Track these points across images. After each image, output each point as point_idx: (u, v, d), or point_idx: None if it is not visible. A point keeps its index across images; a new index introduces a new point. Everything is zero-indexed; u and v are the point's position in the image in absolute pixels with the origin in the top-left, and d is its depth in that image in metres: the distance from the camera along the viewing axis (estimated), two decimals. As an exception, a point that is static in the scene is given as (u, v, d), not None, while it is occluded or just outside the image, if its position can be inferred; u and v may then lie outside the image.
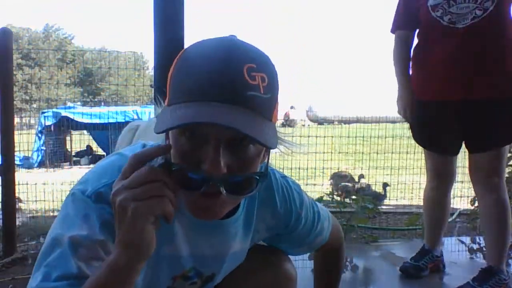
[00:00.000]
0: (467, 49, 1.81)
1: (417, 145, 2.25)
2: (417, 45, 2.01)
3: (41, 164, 7.94)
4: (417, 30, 2.02)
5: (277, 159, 5.41)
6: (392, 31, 2.10)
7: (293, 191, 0.94)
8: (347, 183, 4.60)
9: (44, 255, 0.69)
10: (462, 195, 4.24)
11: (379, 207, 3.55)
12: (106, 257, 0.66)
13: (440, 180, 2.14)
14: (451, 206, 4.07)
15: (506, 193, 1.92)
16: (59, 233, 0.69)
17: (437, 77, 1.91)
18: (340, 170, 5.10)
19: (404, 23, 2.03)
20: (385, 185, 4.03)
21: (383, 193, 4.00)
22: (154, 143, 0.83)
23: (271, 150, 0.72)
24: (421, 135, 2.13)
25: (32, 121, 8.20)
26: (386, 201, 4.39)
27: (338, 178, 4.84)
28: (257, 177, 0.69)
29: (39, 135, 8.30)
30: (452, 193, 4.19)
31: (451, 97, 1.88)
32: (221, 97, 0.63)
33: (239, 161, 0.67)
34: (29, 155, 7.77)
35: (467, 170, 2.05)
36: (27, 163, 7.75)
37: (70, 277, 0.65)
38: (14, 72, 2.74)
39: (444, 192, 2.17)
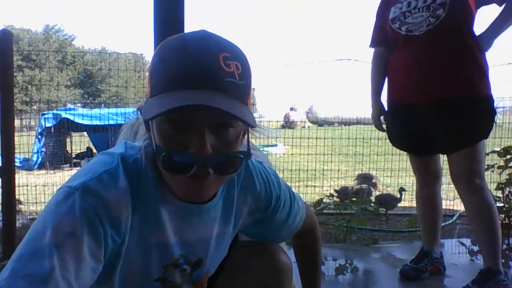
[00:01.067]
0: (426, 54, 1.91)
1: None
2: (389, 56, 2.13)
3: (41, 166, 7.94)
4: None
5: (277, 161, 5.41)
6: (371, 46, 2.23)
7: (270, 175, 0.99)
8: (362, 185, 4.56)
9: (23, 247, 0.70)
10: (462, 197, 4.24)
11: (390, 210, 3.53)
12: (84, 254, 0.69)
13: (425, 179, 2.18)
14: (452, 208, 4.12)
15: (489, 194, 1.94)
16: (41, 227, 0.70)
17: (402, 81, 2.03)
18: (363, 172, 5.05)
19: (378, 39, 2.16)
20: (401, 189, 4.01)
21: (398, 197, 3.98)
22: (138, 144, 0.85)
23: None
24: (395, 138, 2.20)
25: (32, 123, 8.21)
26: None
27: (363, 179, 4.80)
28: (241, 156, 0.75)
29: (39, 137, 8.30)
30: (452, 195, 4.23)
31: (416, 99, 1.97)
32: (202, 84, 0.69)
33: (223, 142, 0.73)
34: (29, 157, 7.76)
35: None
36: (27, 165, 7.75)
37: (37, 277, 0.64)
38: (15, 74, 2.74)
39: (432, 191, 2.19)
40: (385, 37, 2.10)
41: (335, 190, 4.34)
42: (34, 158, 8.11)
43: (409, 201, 4.59)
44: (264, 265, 1.02)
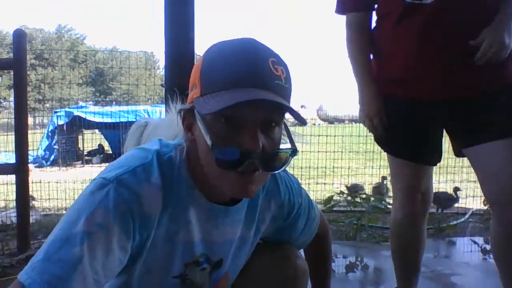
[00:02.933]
0: (439, 29, 1.34)
1: None
2: (374, 30, 1.54)
3: (53, 163, 8.04)
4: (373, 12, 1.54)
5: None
6: (340, 11, 1.57)
7: (294, 183, 1.02)
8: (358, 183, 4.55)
9: (57, 232, 0.74)
10: (474, 195, 4.20)
11: (389, 207, 3.52)
12: (113, 245, 0.74)
13: (414, 199, 1.55)
14: (464, 206, 4.08)
15: None
16: (75, 215, 0.74)
17: (407, 69, 1.42)
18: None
19: (357, 2, 1.53)
20: (456, 189, 3.94)
21: (455, 197, 3.92)
22: (172, 142, 0.88)
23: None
24: (389, 139, 1.55)
25: (45, 121, 8.31)
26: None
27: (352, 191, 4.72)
28: (289, 152, 0.79)
29: (49, 134, 8.39)
30: (464, 193, 4.18)
31: (430, 96, 1.41)
32: (256, 84, 0.73)
33: (271, 141, 0.77)
34: (38, 154, 7.86)
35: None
36: (40, 162, 7.86)
37: (67, 263, 0.70)
38: (28, 72, 2.78)
39: (420, 217, 1.59)
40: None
41: (346, 187, 4.32)
42: (39, 154, 8.16)
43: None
44: (281, 270, 1.03)
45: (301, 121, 0.77)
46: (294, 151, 0.80)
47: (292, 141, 0.84)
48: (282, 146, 0.81)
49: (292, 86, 0.80)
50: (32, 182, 3.96)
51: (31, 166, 5.82)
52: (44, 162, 7.92)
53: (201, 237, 0.89)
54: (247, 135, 0.74)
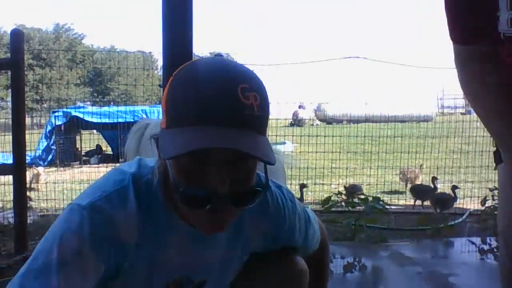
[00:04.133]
0: None
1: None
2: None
3: (51, 163, 8.01)
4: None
5: (286, 158, 5.40)
6: (459, 41, 1.07)
7: (287, 200, 0.97)
8: (357, 184, 4.54)
9: (31, 262, 0.73)
10: (472, 195, 4.21)
11: (387, 207, 3.51)
12: (89, 271, 0.73)
13: None
14: (461, 206, 4.09)
15: None
16: (50, 243, 0.73)
17: None
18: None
19: (479, 31, 1.07)
20: (454, 187, 3.86)
21: (453, 196, 3.86)
22: (151, 163, 0.85)
23: None
24: None
25: (43, 121, 8.29)
26: (394, 201, 4.36)
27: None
28: (260, 188, 0.76)
29: (47, 134, 8.35)
30: (462, 193, 4.19)
31: None
32: (223, 121, 0.69)
33: (241, 176, 0.72)
34: (37, 154, 7.84)
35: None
36: (37, 163, 7.83)
37: None
38: (25, 73, 2.77)
39: None
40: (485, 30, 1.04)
41: (344, 187, 4.32)
42: (37, 154, 8.14)
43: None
44: (281, 271, 1.01)
45: (265, 162, 0.71)
46: (266, 188, 0.77)
47: (266, 175, 0.79)
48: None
49: (269, 108, 0.75)
50: (30, 183, 3.95)
51: (41, 169, 5.84)
52: (41, 162, 7.88)
53: (181, 260, 0.87)
54: (213, 174, 0.70)
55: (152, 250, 0.83)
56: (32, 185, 5.14)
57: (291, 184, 4.27)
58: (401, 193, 4.97)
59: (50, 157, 8.26)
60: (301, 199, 3.43)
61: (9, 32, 2.55)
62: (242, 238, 0.93)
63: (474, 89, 1.04)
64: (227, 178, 0.70)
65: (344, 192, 3.94)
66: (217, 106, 0.69)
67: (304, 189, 4.40)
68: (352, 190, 4.23)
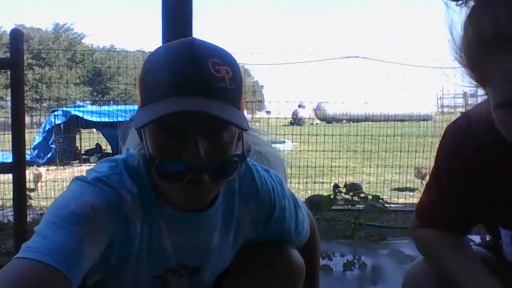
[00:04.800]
0: None
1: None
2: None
3: (50, 162, 8.01)
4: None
5: (285, 157, 5.41)
6: (426, 225, 1.00)
7: (276, 184, 0.97)
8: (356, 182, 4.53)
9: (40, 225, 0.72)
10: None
11: (387, 206, 3.52)
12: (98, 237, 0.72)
13: None
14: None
15: None
16: (67, 202, 0.72)
17: None
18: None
19: (453, 223, 0.97)
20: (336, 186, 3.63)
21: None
22: (136, 152, 0.85)
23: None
24: None
25: (43, 120, 8.29)
26: (394, 199, 4.37)
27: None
28: (236, 159, 0.75)
29: (44, 134, 8.33)
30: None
31: None
32: (192, 90, 0.69)
33: (217, 146, 0.73)
34: (30, 153, 7.81)
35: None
36: (35, 161, 7.81)
37: (64, 249, 0.67)
38: (25, 72, 2.77)
39: None
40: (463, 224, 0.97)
41: (345, 185, 4.30)
42: (32, 152, 8.10)
43: (417, 197, 4.57)
44: (278, 265, 1.01)
45: (239, 127, 0.72)
46: (241, 157, 0.76)
47: (243, 146, 0.80)
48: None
49: (242, 83, 0.76)
50: (29, 181, 3.95)
51: (43, 169, 5.81)
52: (38, 160, 7.83)
53: (174, 246, 0.86)
54: (187, 145, 0.70)
55: (150, 236, 0.83)
56: (32, 185, 5.13)
57: (290, 182, 4.28)
58: (413, 190, 4.95)
59: (49, 155, 8.23)
60: (334, 199, 3.41)
61: (8, 31, 2.55)
62: (233, 222, 0.92)
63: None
64: (202, 149, 0.70)
65: (344, 190, 3.93)
66: (187, 78, 0.70)
67: (304, 188, 4.39)
68: (352, 188, 4.22)
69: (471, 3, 0.62)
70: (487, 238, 1.03)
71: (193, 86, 0.69)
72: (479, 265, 0.88)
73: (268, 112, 5.48)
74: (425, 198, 1.00)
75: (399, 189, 4.98)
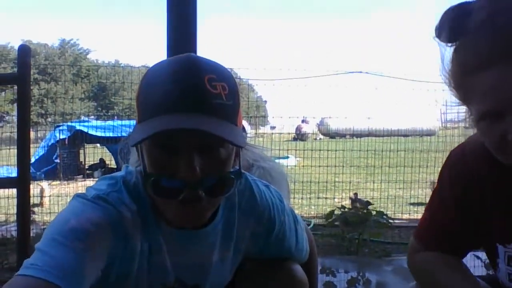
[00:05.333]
0: None
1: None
2: None
3: (55, 177, 8.01)
4: None
5: (288, 173, 5.40)
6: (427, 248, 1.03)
7: (275, 198, 0.96)
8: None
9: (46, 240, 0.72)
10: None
11: (391, 221, 3.49)
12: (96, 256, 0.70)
13: None
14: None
15: None
16: (68, 219, 0.72)
17: None
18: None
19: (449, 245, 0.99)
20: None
21: None
22: (135, 169, 0.85)
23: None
24: None
25: (48, 135, 8.34)
26: (398, 215, 4.33)
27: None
28: (233, 176, 0.75)
29: (46, 147, 8.33)
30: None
31: None
32: (188, 107, 0.69)
33: (213, 163, 0.72)
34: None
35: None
36: (40, 176, 7.82)
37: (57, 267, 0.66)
38: (31, 87, 2.81)
39: None
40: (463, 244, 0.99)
41: (351, 198, 4.27)
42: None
43: (422, 213, 4.53)
44: (281, 280, 1.00)
45: (235, 145, 0.72)
46: (238, 174, 0.76)
47: (239, 163, 0.79)
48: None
49: (239, 99, 0.76)
50: (33, 196, 3.95)
51: (45, 184, 5.80)
52: (37, 172, 7.76)
53: (173, 263, 0.86)
54: (183, 162, 0.69)
55: (150, 252, 0.83)
56: (36, 200, 5.13)
57: (294, 198, 4.26)
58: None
59: (45, 168, 8.16)
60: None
61: (16, 47, 2.59)
62: (233, 238, 0.91)
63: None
64: (198, 166, 0.69)
65: (349, 205, 3.91)
66: (184, 95, 0.70)
67: (307, 203, 4.37)
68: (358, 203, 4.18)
69: (457, 42, 0.80)
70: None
71: (189, 103, 0.69)
72: (480, 285, 0.93)
73: (273, 128, 5.50)
74: (426, 220, 1.03)
75: (416, 204, 4.89)
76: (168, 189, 0.71)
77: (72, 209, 0.75)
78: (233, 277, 0.99)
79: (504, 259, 0.92)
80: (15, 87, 2.54)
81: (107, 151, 9.20)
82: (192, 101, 0.70)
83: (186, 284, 0.90)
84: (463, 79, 0.79)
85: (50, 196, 5.08)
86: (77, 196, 0.79)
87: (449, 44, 0.80)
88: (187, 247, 0.85)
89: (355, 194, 4.33)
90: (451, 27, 0.79)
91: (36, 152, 8.04)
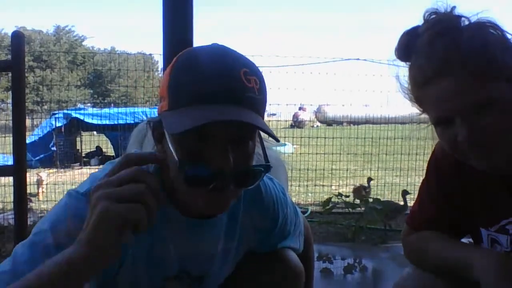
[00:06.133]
0: None
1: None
2: None
3: (51, 165, 7.99)
4: None
5: (286, 160, 5.40)
6: (414, 227, 1.12)
7: (279, 192, 0.98)
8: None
9: (23, 245, 0.74)
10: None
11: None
12: None
13: None
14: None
15: None
16: (45, 228, 0.74)
17: None
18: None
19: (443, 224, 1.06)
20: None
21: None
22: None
23: None
24: None
25: (44, 123, 8.29)
26: (395, 201, 4.36)
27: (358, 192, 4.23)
28: (262, 169, 0.76)
29: (43, 133, 8.27)
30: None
31: None
32: (226, 99, 0.70)
33: (243, 155, 0.74)
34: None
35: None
36: (36, 164, 7.79)
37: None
38: (26, 74, 2.78)
39: None
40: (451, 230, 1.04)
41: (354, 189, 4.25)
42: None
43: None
44: (278, 270, 1.01)
45: (274, 138, 0.75)
46: (267, 167, 0.77)
47: (266, 157, 0.81)
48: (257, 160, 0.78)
49: (267, 95, 0.78)
50: (30, 184, 3.95)
51: (44, 174, 5.76)
52: (33, 158, 7.71)
53: (177, 253, 0.86)
54: (217, 152, 0.70)
55: (151, 244, 0.83)
56: (33, 189, 5.10)
57: (291, 185, 4.27)
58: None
59: (41, 156, 8.12)
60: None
61: (10, 34, 2.56)
62: (237, 230, 0.92)
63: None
64: (231, 157, 0.71)
65: (349, 194, 3.89)
66: (223, 86, 0.70)
67: (304, 191, 4.38)
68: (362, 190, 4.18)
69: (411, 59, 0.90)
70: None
71: (228, 95, 0.70)
72: (471, 245, 1.03)
73: (273, 115, 5.48)
74: (416, 207, 1.11)
75: (413, 191, 4.90)
76: (200, 178, 0.71)
77: (55, 214, 0.77)
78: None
79: (487, 242, 1.00)
80: (10, 74, 2.52)
81: (105, 138, 9.18)
82: (230, 94, 0.70)
83: (191, 275, 0.90)
84: (416, 92, 0.90)
85: (47, 184, 5.06)
86: (69, 194, 0.79)
87: (407, 64, 0.91)
88: (194, 238, 0.86)
89: (369, 179, 4.29)
90: (404, 48, 0.90)
91: (30, 137, 7.97)
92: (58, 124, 8.17)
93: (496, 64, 0.82)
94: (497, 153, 0.85)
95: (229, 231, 0.91)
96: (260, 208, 0.94)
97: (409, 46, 0.89)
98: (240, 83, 0.71)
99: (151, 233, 0.82)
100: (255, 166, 0.76)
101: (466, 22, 0.88)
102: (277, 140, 0.77)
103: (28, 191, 2.69)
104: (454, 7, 0.89)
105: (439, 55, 0.83)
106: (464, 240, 1.06)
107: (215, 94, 0.70)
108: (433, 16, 0.88)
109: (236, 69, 0.72)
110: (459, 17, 0.88)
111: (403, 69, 0.96)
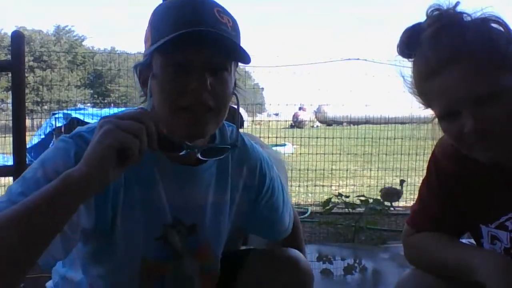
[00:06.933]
0: None
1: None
2: None
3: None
4: None
5: (285, 160, 5.40)
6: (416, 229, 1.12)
7: (265, 156, 1.04)
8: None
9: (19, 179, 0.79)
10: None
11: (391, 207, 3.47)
12: None
13: None
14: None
15: None
16: (38, 165, 0.80)
17: None
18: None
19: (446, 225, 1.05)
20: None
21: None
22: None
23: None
24: None
25: (44, 123, 8.27)
26: (395, 203, 4.35)
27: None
28: (235, 93, 0.88)
29: (43, 136, 8.27)
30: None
31: None
32: (202, 24, 0.79)
33: (218, 85, 0.83)
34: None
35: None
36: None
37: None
38: (26, 74, 2.78)
39: None
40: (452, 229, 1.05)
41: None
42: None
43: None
44: (288, 275, 1.01)
45: (245, 56, 0.83)
46: (235, 84, 0.88)
47: (235, 84, 0.89)
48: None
49: (240, 39, 0.86)
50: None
51: None
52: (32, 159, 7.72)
53: (169, 200, 0.90)
54: (195, 75, 0.79)
55: (143, 189, 0.87)
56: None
57: (291, 185, 4.27)
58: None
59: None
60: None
61: (9, 34, 2.56)
62: (228, 183, 0.96)
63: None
64: (208, 80, 0.80)
65: (349, 194, 3.90)
66: (197, 15, 0.80)
67: (304, 191, 4.38)
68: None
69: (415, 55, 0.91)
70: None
71: (203, 21, 0.80)
72: (472, 246, 1.04)
73: (276, 115, 5.49)
74: (417, 207, 1.11)
75: (413, 191, 4.93)
76: (182, 99, 0.81)
77: (45, 155, 0.83)
78: (238, 270, 1.01)
79: (488, 239, 1.01)
80: (10, 74, 2.51)
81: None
82: (205, 21, 0.80)
83: (183, 223, 0.93)
84: (421, 86, 0.91)
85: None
86: (59, 140, 0.85)
87: (410, 60, 0.92)
88: (184, 185, 0.91)
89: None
90: (407, 43, 0.92)
91: (31, 139, 7.97)
92: (58, 124, 8.16)
93: (501, 55, 0.83)
94: (503, 143, 0.86)
95: (220, 182, 0.95)
96: (248, 164, 0.99)
97: (412, 41, 0.90)
98: (214, 17, 0.81)
99: (142, 179, 0.86)
100: (231, 90, 0.87)
101: (469, 19, 0.89)
102: (247, 62, 0.85)
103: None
104: (457, 3, 0.90)
105: (444, 46, 0.84)
106: (464, 239, 1.08)
107: (190, 21, 0.79)
108: (436, 12, 0.90)
109: (210, 6, 0.82)
110: (462, 13, 0.89)
111: (405, 68, 0.98)
